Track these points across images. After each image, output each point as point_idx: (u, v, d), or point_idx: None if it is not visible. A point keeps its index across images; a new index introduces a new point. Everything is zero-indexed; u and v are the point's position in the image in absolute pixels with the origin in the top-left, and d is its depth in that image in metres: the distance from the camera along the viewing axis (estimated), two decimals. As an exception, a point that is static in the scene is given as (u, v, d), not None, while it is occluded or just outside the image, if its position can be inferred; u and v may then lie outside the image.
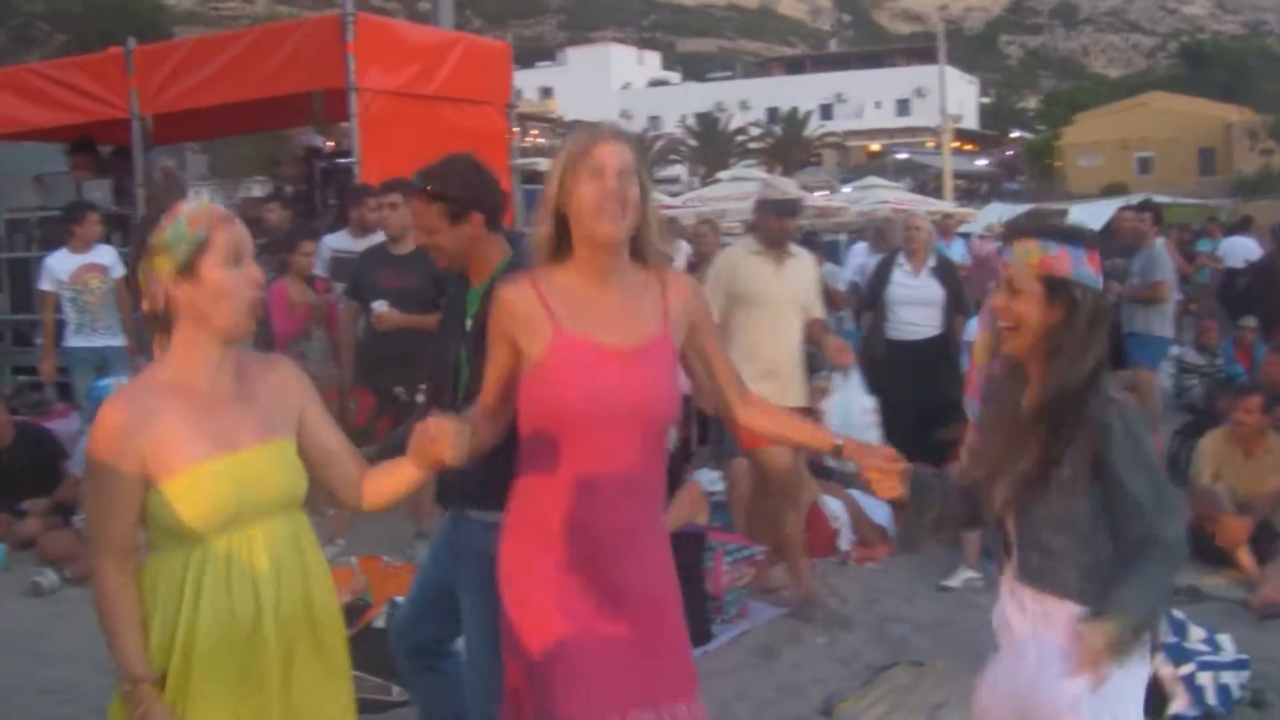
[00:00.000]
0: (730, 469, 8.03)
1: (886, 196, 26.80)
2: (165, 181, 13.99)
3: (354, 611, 6.01)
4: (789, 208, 6.99)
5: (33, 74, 12.83)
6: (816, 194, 31.49)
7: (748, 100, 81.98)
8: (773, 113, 73.69)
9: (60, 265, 9.61)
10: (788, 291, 6.84)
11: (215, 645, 2.78)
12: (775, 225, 6.90)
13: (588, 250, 3.16)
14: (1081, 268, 3.14)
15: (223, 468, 2.79)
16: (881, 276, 9.03)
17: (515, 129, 13.85)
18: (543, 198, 3.19)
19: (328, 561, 3.09)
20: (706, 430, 10.54)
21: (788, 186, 7.50)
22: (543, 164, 52.23)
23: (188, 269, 2.83)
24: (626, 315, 3.19)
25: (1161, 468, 3.28)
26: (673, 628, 3.27)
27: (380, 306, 7.44)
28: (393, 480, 3.05)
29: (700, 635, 6.02)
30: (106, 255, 9.76)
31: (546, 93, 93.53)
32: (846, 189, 34.03)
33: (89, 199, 11.87)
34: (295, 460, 2.95)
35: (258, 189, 24.55)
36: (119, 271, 9.68)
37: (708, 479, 8.60)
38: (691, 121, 71.18)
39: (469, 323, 4.09)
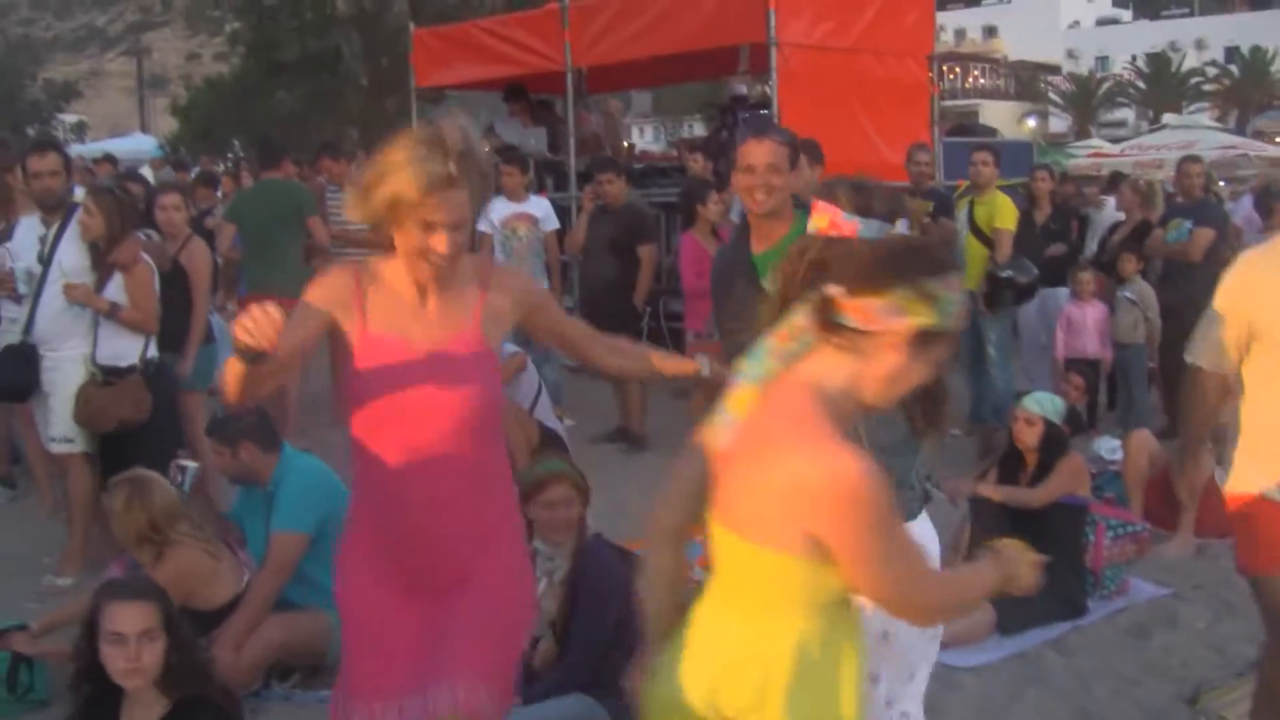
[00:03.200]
0: (1130, 440, 7.81)
1: (1350, 146, 24.77)
2: (606, 122, 14.65)
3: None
4: None
5: (477, 30, 13.70)
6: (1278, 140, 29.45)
7: (1204, 39, 77.09)
8: (1230, 52, 69.11)
9: (495, 211, 10.20)
10: None
11: None
12: None
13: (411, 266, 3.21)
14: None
15: None
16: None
17: (939, 79, 13.72)
18: (369, 187, 3.11)
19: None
20: (1115, 396, 10.26)
21: None
22: (984, 106, 50.58)
23: (929, 341, 2.36)
24: (438, 315, 3.24)
25: None
26: (470, 617, 3.30)
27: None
28: None
29: (1074, 609, 5.98)
30: (539, 207, 10.29)
31: (990, 32, 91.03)
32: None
33: (525, 148, 12.59)
34: None
35: (698, 127, 25.22)
36: (551, 224, 10.21)
37: (1108, 447, 8.37)
38: (1141, 62, 67.79)
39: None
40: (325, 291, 3.22)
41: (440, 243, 3.07)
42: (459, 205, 3.06)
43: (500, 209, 10.16)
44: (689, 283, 9.22)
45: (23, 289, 6.68)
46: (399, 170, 3.03)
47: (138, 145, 27.63)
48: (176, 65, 47.77)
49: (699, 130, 22.50)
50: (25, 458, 8.38)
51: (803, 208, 4.32)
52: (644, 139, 29.52)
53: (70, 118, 41.21)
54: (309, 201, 9.67)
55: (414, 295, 3.22)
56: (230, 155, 22.97)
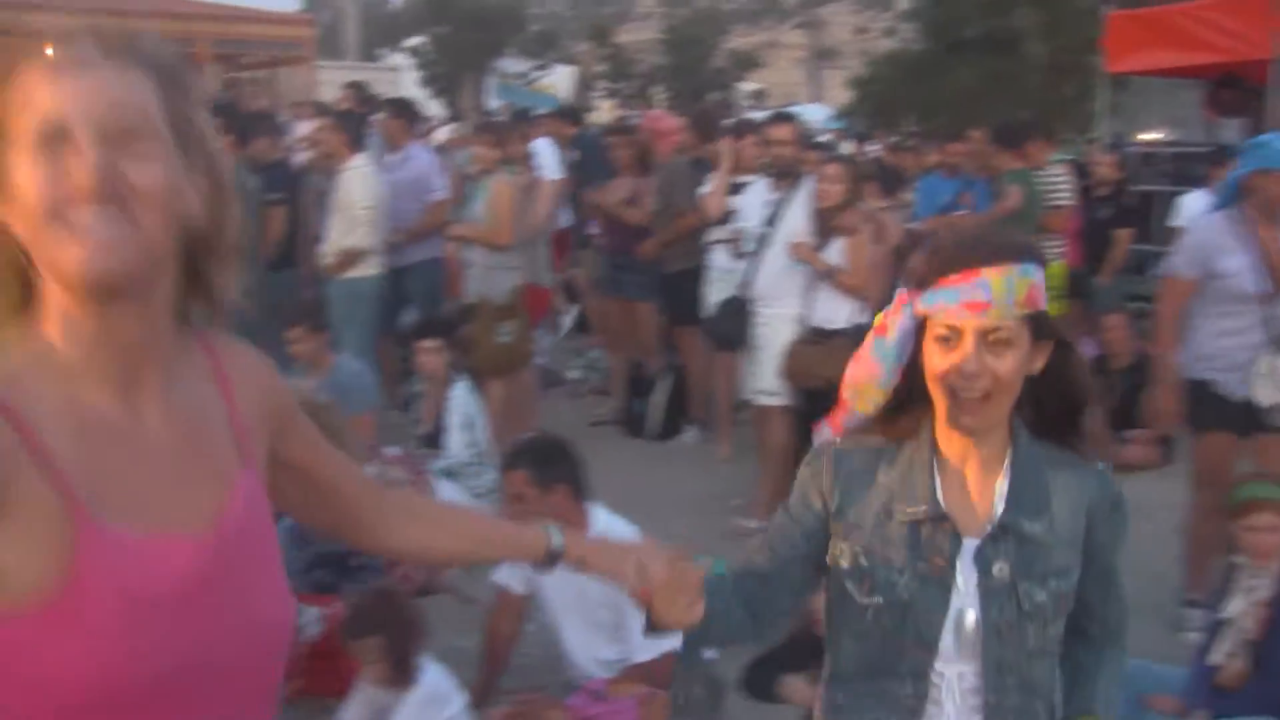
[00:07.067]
0: None
1: None
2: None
3: None
4: None
5: (1176, 14, 13.14)
6: None
7: None
8: None
9: (1196, 205, 9.58)
10: None
11: None
12: None
13: (72, 309, 1.50)
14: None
15: None
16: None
17: None
18: None
19: None
20: None
21: None
22: None
23: None
24: (184, 458, 1.59)
25: None
26: None
27: None
28: None
29: None
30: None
31: None
32: None
33: (1222, 138, 12.02)
34: None
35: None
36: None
37: None
38: None
39: None
40: None
41: (82, 166, 1.42)
42: (105, 90, 1.46)
43: (1202, 204, 9.73)
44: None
45: (747, 247, 7.22)
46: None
47: (812, 115, 28.77)
48: (847, 40, 49.38)
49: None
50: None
51: None
52: (1337, 136, 27.32)
53: (749, 86, 43.57)
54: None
55: (102, 400, 1.52)
56: (900, 131, 23.40)
